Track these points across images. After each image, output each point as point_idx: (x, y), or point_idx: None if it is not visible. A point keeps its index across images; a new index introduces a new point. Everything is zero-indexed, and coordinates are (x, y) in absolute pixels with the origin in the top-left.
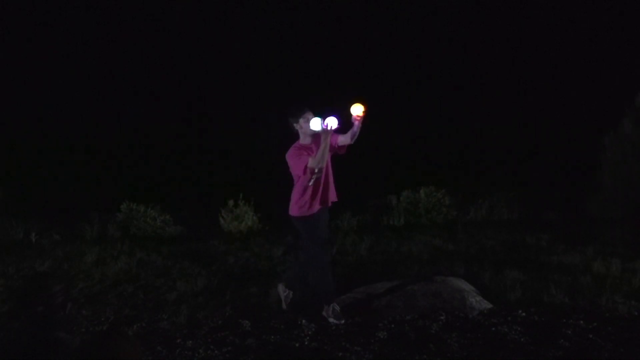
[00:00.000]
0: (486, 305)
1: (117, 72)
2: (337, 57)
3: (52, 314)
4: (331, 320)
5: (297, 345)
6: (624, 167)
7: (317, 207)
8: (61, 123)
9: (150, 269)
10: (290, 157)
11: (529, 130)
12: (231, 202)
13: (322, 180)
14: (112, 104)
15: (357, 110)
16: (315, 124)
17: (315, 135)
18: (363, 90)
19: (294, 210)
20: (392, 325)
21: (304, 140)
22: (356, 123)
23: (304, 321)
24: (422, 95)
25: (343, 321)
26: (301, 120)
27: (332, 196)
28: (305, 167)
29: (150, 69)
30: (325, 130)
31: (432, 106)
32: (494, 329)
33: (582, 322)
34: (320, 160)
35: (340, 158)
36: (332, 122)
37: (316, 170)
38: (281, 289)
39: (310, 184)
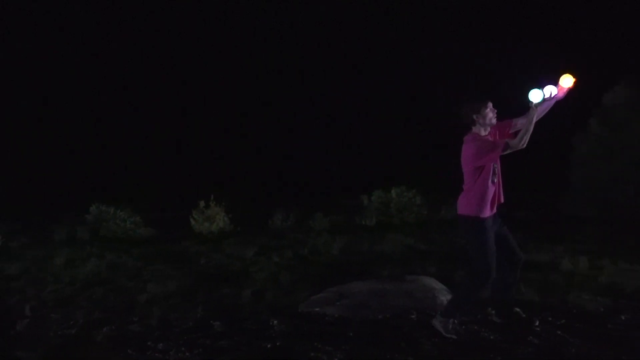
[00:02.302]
0: None
1: (86, 73)
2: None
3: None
4: (447, 334)
5: (269, 346)
6: (592, 167)
7: (492, 210)
8: (27, 123)
9: (120, 271)
10: (480, 148)
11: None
12: (202, 203)
13: (498, 179)
14: (78, 104)
15: (567, 82)
16: (537, 95)
17: (492, 127)
18: (352, 91)
19: (470, 208)
20: (365, 325)
21: (482, 131)
22: (559, 95)
23: (275, 322)
24: (391, 95)
25: (455, 337)
26: (484, 110)
27: (501, 197)
28: (493, 156)
29: (123, 70)
30: (545, 100)
31: (402, 106)
32: (464, 327)
33: (551, 319)
34: (524, 138)
35: (309, 159)
36: (553, 90)
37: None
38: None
39: (496, 180)
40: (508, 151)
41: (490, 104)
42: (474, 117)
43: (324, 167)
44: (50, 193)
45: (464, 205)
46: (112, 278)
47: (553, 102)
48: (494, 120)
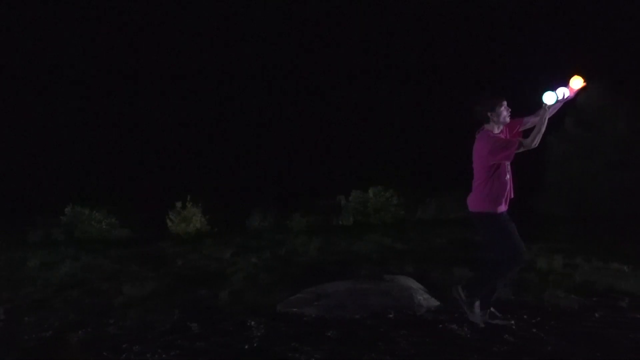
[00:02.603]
0: (434, 302)
1: (57, 73)
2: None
3: None
4: (471, 314)
5: (246, 347)
6: (566, 166)
7: (505, 206)
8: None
9: (96, 272)
10: (495, 146)
11: (475, 129)
12: (179, 204)
13: (510, 176)
14: (51, 104)
15: (577, 83)
16: (551, 97)
17: (505, 125)
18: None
19: (485, 205)
20: (342, 325)
21: (495, 129)
22: (570, 95)
23: (253, 323)
24: (367, 96)
25: (483, 325)
26: (499, 108)
27: (512, 192)
28: (507, 154)
29: (96, 71)
30: (558, 101)
31: (378, 107)
32: (441, 326)
33: (526, 316)
34: (537, 138)
35: (286, 159)
36: (566, 92)
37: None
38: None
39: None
40: (521, 149)
41: (504, 103)
42: (489, 114)
43: (301, 167)
44: (24, 194)
45: (478, 203)
46: (87, 280)
47: (563, 102)
48: (508, 119)
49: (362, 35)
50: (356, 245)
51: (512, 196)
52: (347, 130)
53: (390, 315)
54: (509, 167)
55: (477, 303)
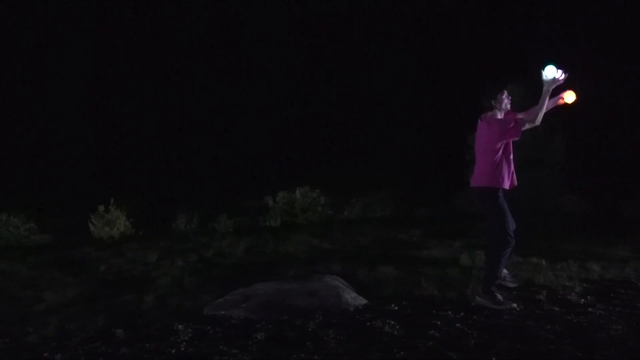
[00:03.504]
0: (361, 301)
1: None
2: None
3: None
4: (501, 307)
5: (173, 351)
6: None
7: (507, 183)
8: None
9: (14, 280)
10: (503, 126)
11: (399, 131)
12: (101, 207)
13: (513, 159)
14: None
15: (570, 97)
16: (551, 71)
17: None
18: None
19: (485, 180)
20: (270, 326)
21: (498, 115)
22: (559, 102)
23: (180, 327)
24: (298, 96)
25: (514, 305)
26: (501, 96)
27: (515, 179)
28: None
29: (19, 70)
30: (555, 80)
31: (303, 108)
32: (369, 323)
33: (450, 312)
34: (539, 115)
35: (212, 161)
36: (562, 75)
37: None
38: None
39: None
40: (527, 127)
41: (505, 92)
42: (492, 102)
43: (227, 168)
44: None
45: (487, 179)
46: (4, 288)
47: (556, 104)
48: (509, 106)
49: (286, 43)
50: (283, 245)
51: (516, 184)
52: (274, 130)
53: (318, 315)
54: (512, 148)
55: (498, 294)
